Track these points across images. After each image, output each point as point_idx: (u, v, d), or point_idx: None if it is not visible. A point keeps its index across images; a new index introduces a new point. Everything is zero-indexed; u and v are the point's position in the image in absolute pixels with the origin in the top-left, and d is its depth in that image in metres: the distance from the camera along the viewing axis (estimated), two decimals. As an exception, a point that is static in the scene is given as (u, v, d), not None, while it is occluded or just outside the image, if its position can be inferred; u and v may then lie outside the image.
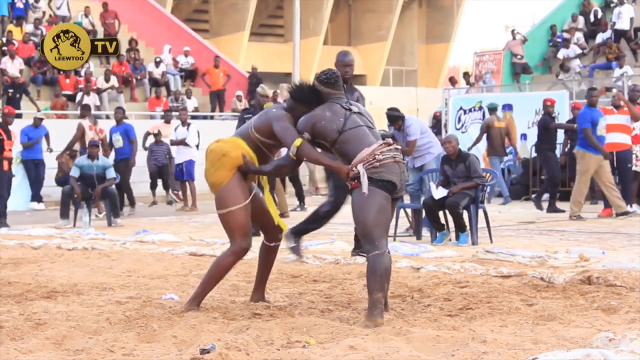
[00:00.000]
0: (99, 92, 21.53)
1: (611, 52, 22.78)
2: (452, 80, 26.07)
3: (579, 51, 23.93)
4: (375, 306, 5.25)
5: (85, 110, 16.57)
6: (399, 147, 5.58)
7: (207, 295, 5.99)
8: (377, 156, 5.36)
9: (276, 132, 5.75)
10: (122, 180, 15.12)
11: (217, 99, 23.71)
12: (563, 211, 13.66)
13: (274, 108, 5.97)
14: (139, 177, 18.72)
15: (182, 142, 16.39)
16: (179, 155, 16.52)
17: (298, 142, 5.57)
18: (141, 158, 18.13)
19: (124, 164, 15.52)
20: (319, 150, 5.71)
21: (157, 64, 23.69)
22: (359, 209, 5.40)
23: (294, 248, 6.51)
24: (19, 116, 17.87)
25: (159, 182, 18.37)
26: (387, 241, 5.44)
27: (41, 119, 17.21)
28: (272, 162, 5.94)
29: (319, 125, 5.53)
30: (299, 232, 6.55)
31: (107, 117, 21.60)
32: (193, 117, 22.59)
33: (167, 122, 18.22)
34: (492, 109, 17.43)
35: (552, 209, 13.82)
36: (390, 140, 5.51)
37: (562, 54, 24.15)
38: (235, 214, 5.86)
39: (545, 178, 15.24)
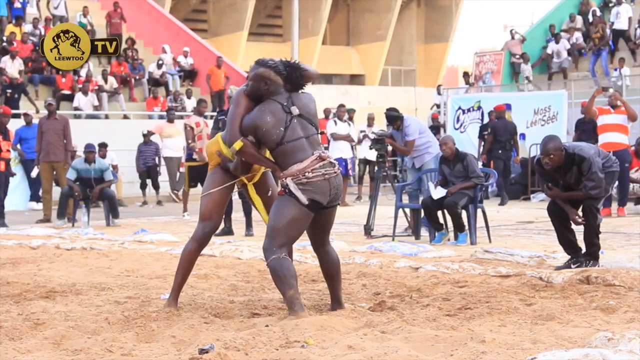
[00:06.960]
0: (98, 91, 21.49)
1: (596, 30, 22.77)
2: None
3: (569, 46, 23.95)
4: (293, 303, 5.43)
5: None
6: (333, 161, 5.68)
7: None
8: (307, 173, 5.53)
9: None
10: None
11: (218, 99, 23.68)
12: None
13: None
14: (131, 178, 18.78)
15: (348, 138, 15.50)
16: (337, 150, 15.88)
17: (238, 145, 5.63)
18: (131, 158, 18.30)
19: None
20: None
21: (160, 66, 23.65)
22: (274, 213, 5.58)
23: None
24: (18, 116, 17.83)
25: (148, 182, 18.42)
26: (287, 249, 5.62)
27: (29, 115, 17.15)
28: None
29: (260, 132, 5.61)
30: None
31: (107, 117, 21.59)
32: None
33: (170, 121, 18.05)
34: None
35: None
36: (324, 154, 5.61)
37: (551, 48, 24.18)
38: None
39: None
